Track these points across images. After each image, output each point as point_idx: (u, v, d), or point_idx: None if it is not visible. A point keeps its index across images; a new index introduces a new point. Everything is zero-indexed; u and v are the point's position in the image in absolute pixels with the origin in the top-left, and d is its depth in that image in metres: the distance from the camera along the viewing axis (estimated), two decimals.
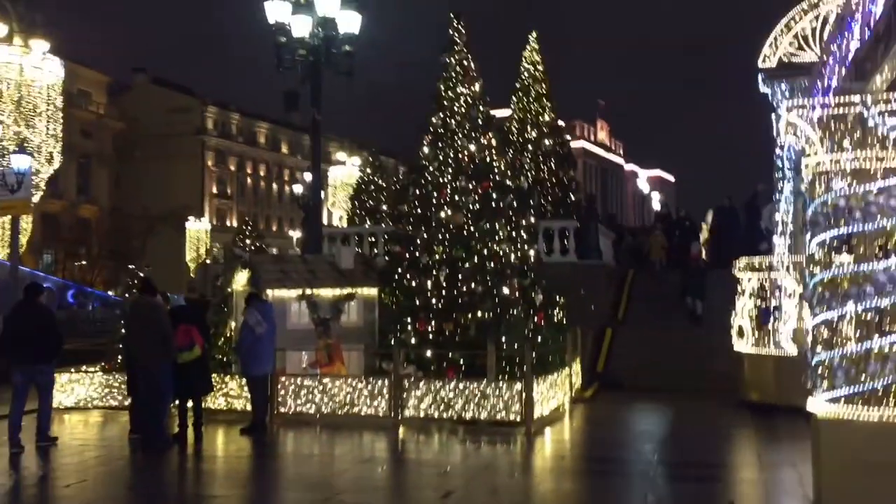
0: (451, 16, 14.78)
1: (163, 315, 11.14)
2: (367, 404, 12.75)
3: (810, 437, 8.57)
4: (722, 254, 23.88)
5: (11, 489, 9.30)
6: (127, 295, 15.21)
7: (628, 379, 16.90)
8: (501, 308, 13.31)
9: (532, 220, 15.57)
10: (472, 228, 13.78)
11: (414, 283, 13.89)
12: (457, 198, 14.05)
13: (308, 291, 13.95)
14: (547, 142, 22.41)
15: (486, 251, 13.56)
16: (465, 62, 14.60)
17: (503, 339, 13.21)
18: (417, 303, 13.75)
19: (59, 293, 35.89)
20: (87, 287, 44.30)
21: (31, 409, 11.22)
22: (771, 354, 13.84)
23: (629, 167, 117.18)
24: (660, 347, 17.89)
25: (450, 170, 14.16)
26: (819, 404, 7.63)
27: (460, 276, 13.61)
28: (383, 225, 21.15)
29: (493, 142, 14.62)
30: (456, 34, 14.67)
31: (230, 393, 13.56)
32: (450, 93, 14.49)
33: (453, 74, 14.55)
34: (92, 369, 14.50)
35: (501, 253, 13.59)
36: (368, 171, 25.13)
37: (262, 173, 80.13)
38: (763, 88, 14.63)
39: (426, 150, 14.51)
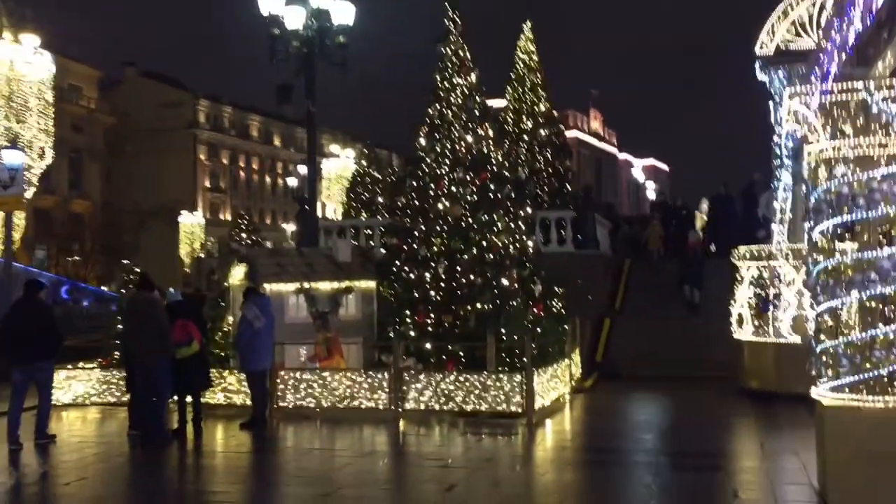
0: (447, 6, 14.67)
1: (160, 310, 11.06)
2: (368, 397, 12.71)
3: (813, 425, 8.57)
4: (719, 242, 23.91)
5: (11, 487, 9.23)
6: (123, 290, 15.06)
7: (627, 368, 16.92)
8: (501, 299, 13.25)
9: (529, 210, 15.52)
10: (470, 220, 13.70)
11: (412, 276, 13.82)
12: (454, 189, 13.97)
13: (306, 285, 13.87)
14: (542, 132, 22.33)
15: (484, 243, 13.49)
16: (461, 52, 14.51)
17: (503, 330, 13.15)
18: (416, 295, 13.69)
19: (53, 289, 35.70)
20: (81, 283, 44.09)
21: (29, 406, 11.15)
22: (771, 342, 13.84)
23: (623, 156, 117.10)
24: (658, 337, 17.90)
25: (447, 161, 14.08)
26: (824, 392, 7.60)
27: (459, 268, 13.54)
28: (379, 217, 21.06)
29: (491, 132, 14.53)
30: (451, 24, 14.57)
31: (229, 388, 13.49)
32: (446, 83, 14.40)
33: (449, 65, 14.46)
34: (89, 366, 14.40)
35: (500, 244, 13.52)
36: (364, 163, 25.01)
37: (254, 166, 79.86)
38: (760, 76, 14.59)
39: (423, 141, 14.43)
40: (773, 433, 11.34)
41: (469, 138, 14.14)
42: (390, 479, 9.58)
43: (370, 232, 20.22)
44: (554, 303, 14.58)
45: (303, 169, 38.76)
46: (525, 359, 12.28)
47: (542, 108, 22.80)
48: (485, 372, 12.54)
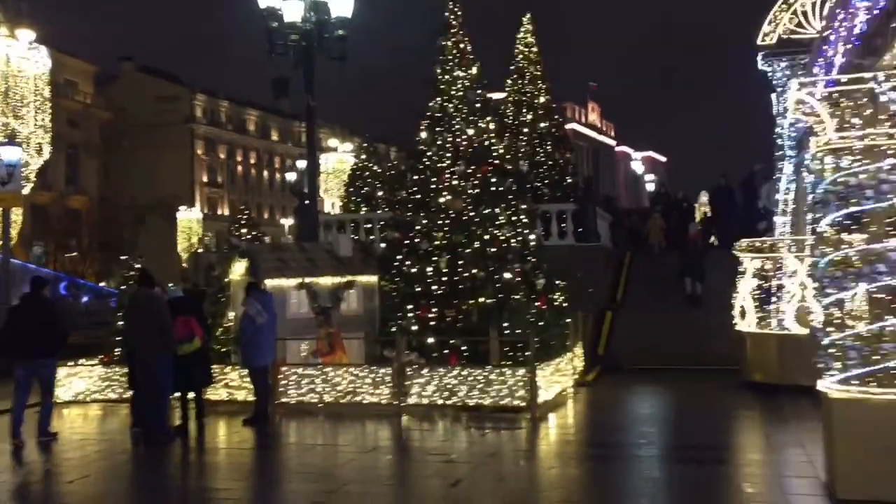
0: None
1: (162, 307, 10.98)
2: (370, 392, 12.66)
3: (818, 417, 8.52)
4: (719, 234, 23.90)
5: (15, 486, 9.17)
6: (123, 287, 14.98)
7: (629, 362, 16.89)
8: (503, 293, 13.19)
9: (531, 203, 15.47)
10: (472, 213, 13.63)
11: (414, 270, 13.75)
12: (456, 182, 13.90)
13: (307, 280, 13.81)
14: (542, 124, 22.24)
15: (486, 236, 13.42)
16: (462, 45, 14.42)
17: (505, 324, 13.10)
18: (418, 289, 13.62)
19: (52, 285, 35.61)
20: (80, 279, 43.99)
21: (31, 403, 11.12)
22: (774, 334, 13.80)
23: (620, 148, 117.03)
24: (659, 330, 17.88)
25: (448, 154, 14.00)
26: (831, 385, 7.56)
27: (461, 262, 13.47)
28: (379, 211, 20.99)
29: (492, 125, 14.46)
30: (452, 17, 14.48)
31: (231, 384, 13.44)
32: (447, 76, 14.32)
33: (450, 57, 14.37)
34: (90, 362, 14.34)
35: (502, 237, 13.45)
36: (363, 156, 24.92)
37: (252, 161, 79.68)
38: (762, 66, 14.52)
39: (424, 134, 14.35)
40: (778, 426, 11.30)
41: (470, 131, 14.06)
42: (395, 475, 9.53)
43: (369, 226, 20.15)
44: (556, 296, 14.52)
45: (301, 163, 38.67)
46: (528, 353, 12.23)
47: (542, 100, 22.70)
48: (488, 366, 12.49)
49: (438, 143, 14.14)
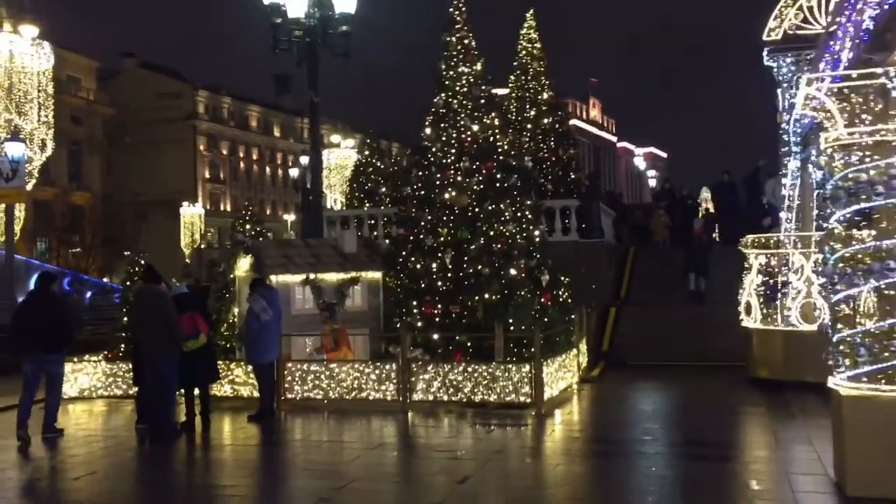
0: None
1: (168, 303, 10.96)
2: (375, 389, 12.64)
3: (825, 414, 8.50)
4: (722, 230, 23.87)
5: (21, 483, 9.18)
6: (128, 283, 14.96)
7: (633, 358, 16.87)
8: (508, 289, 13.15)
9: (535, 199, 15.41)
10: (476, 209, 13.59)
11: (419, 266, 13.71)
12: (460, 178, 13.85)
13: (312, 276, 13.79)
14: (546, 120, 22.16)
15: (491, 232, 13.37)
16: (466, 41, 14.34)
17: (510, 320, 13.07)
18: (423, 285, 13.59)
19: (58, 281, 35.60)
20: (83, 275, 44.00)
21: (38, 398, 11.12)
22: (780, 330, 13.76)
23: (622, 144, 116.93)
24: (664, 325, 17.87)
25: (453, 150, 13.94)
26: (841, 382, 7.53)
27: (466, 258, 13.44)
28: (383, 208, 20.95)
29: (497, 121, 14.41)
30: (456, 12, 14.41)
31: (236, 380, 13.44)
32: (451, 72, 14.25)
33: (454, 53, 14.30)
34: (95, 358, 14.33)
35: (507, 233, 13.41)
36: (367, 152, 24.86)
37: (254, 157, 79.68)
38: (767, 62, 14.46)
39: (428, 130, 14.29)
40: (786, 422, 11.28)
41: (475, 127, 14.01)
42: (401, 472, 9.50)
43: (372, 222, 20.12)
44: (560, 292, 14.49)
45: (304, 159, 38.64)
46: (533, 349, 12.20)
47: (546, 96, 22.62)
48: (493, 362, 12.47)
49: (443, 139, 14.08)
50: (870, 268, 7.27)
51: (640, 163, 65.20)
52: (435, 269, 13.61)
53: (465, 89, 14.18)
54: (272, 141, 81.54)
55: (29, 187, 25.18)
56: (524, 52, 22.76)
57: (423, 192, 14.11)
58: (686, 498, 8.12)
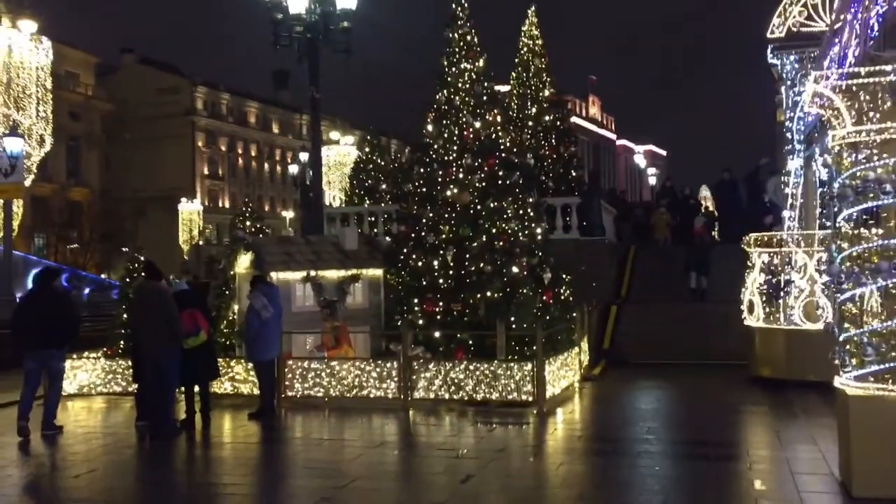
0: None
1: (169, 300, 10.89)
2: (376, 387, 12.58)
3: (829, 413, 8.44)
4: (723, 229, 23.83)
5: (21, 481, 9.10)
6: (128, 279, 14.90)
7: (635, 356, 16.83)
8: (510, 287, 13.09)
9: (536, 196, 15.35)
10: (478, 207, 13.52)
11: (420, 264, 13.65)
12: (462, 175, 13.79)
13: (313, 273, 13.73)
14: (547, 117, 22.11)
15: (493, 230, 13.31)
16: (469, 37, 14.28)
17: (512, 318, 13.01)
18: (424, 283, 13.53)
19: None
20: (81, 271, 43.93)
21: (39, 395, 11.09)
22: (782, 329, 13.71)
23: (621, 142, 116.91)
24: (664, 324, 17.83)
25: (455, 147, 13.88)
26: (847, 382, 7.48)
27: (468, 256, 13.37)
28: (383, 205, 20.90)
29: (499, 118, 14.34)
30: (459, 8, 14.34)
31: (236, 377, 13.38)
32: (453, 69, 14.18)
33: (456, 50, 14.23)
34: (94, 355, 14.26)
35: (509, 231, 13.35)
36: (367, 149, 24.80)
37: (253, 153, 79.58)
38: (771, 59, 14.41)
39: (430, 127, 14.22)
40: (788, 421, 11.23)
41: (477, 124, 13.94)
42: (404, 471, 9.44)
43: (373, 219, 20.06)
44: (562, 290, 14.44)
45: (304, 155, 38.56)
46: (535, 347, 12.15)
47: (547, 93, 22.57)
48: (495, 361, 12.41)
49: (445, 135, 14.02)
50: (877, 267, 7.22)
51: (640, 160, 65.05)
52: (436, 267, 13.55)
53: (468, 86, 14.11)
54: (271, 137, 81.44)
55: (27, 183, 25.11)
56: (525, 48, 22.72)
57: (424, 189, 14.05)
58: (690, 498, 8.07)
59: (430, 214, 13.76)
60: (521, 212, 13.63)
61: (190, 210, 59.29)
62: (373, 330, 14.10)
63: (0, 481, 8.89)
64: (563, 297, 14.43)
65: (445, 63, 14.28)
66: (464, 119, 13.95)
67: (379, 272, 14.42)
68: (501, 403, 12.11)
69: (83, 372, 14.00)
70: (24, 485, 8.96)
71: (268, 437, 11.05)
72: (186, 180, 68.99)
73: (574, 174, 22.22)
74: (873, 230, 7.32)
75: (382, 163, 24.06)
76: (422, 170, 14.21)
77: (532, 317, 13.07)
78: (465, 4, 14.46)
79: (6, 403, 12.52)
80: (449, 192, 13.72)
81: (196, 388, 11.50)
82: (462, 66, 14.19)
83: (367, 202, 22.09)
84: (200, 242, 60.38)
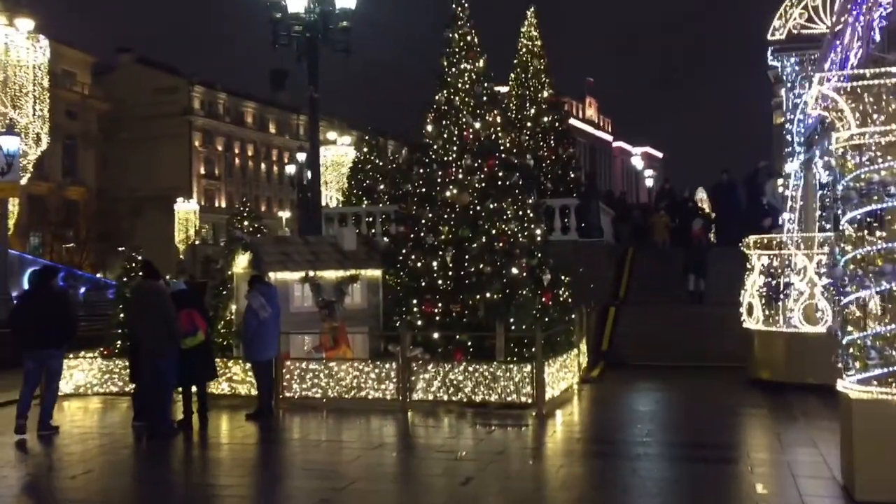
0: None
1: (167, 299, 10.83)
2: (375, 388, 12.52)
3: (829, 416, 8.40)
4: (721, 231, 23.81)
5: (18, 482, 9.03)
6: (125, 279, 14.83)
7: (633, 358, 16.79)
8: (510, 288, 13.04)
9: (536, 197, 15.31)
10: (478, 207, 13.47)
11: (419, 264, 13.59)
12: (461, 176, 13.73)
13: (311, 274, 13.67)
14: (545, 118, 22.09)
15: (493, 231, 13.26)
16: (469, 37, 14.22)
17: (511, 320, 12.96)
18: (423, 284, 13.47)
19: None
20: (77, 270, 43.79)
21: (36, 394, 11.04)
22: (782, 332, 13.68)
23: (617, 144, 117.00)
24: (663, 326, 17.80)
25: (454, 148, 13.82)
26: (850, 385, 7.44)
27: (467, 257, 13.32)
28: (381, 205, 20.85)
29: (499, 119, 14.29)
30: (459, 9, 14.29)
31: (234, 378, 13.31)
32: (453, 69, 14.13)
33: (457, 50, 14.18)
34: (90, 355, 14.17)
35: (509, 232, 13.30)
36: (365, 150, 24.75)
37: (249, 153, 79.44)
38: (772, 62, 14.38)
39: (430, 127, 14.17)
40: (788, 424, 11.20)
41: (477, 125, 13.89)
42: (402, 473, 9.39)
43: (370, 219, 20.01)
44: (561, 292, 14.40)
45: (301, 155, 38.49)
46: (535, 349, 12.10)
47: (545, 94, 22.54)
48: (494, 362, 12.36)
49: (444, 136, 13.96)
50: (881, 270, 7.18)
51: (637, 162, 65.05)
52: (436, 268, 13.50)
53: (468, 86, 14.06)
54: (268, 137, 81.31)
55: (23, 182, 25.00)
56: (524, 49, 22.69)
57: (424, 190, 14.00)
58: (690, 501, 8.03)
59: (430, 215, 13.71)
60: (520, 213, 13.58)
61: (186, 210, 59.13)
62: (371, 331, 14.05)
63: None
64: (562, 299, 14.39)
65: (445, 63, 14.23)
66: (464, 119, 13.90)
67: (377, 273, 14.37)
68: (500, 405, 12.06)
69: (79, 372, 13.92)
70: (20, 486, 8.89)
71: (265, 438, 10.99)
72: (183, 180, 68.83)
73: (572, 175, 22.18)
74: (877, 233, 7.28)
75: (381, 163, 24.00)
76: (421, 170, 14.16)
77: (531, 318, 13.02)
78: (466, 5, 14.42)
79: (4, 403, 12.45)
80: (448, 193, 13.67)
81: (193, 389, 11.42)
82: (462, 66, 14.14)
83: (365, 202, 22.03)
84: (196, 242, 60.25)
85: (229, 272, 14.51)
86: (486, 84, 14.25)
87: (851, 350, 7.40)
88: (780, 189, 15.74)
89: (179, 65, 74.50)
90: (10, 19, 25.65)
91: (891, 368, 7.15)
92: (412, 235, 13.89)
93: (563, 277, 14.61)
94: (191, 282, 15.79)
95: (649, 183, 53.12)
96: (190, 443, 10.77)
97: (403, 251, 13.94)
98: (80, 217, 54.78)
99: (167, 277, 13.41)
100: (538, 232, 14.00)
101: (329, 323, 13.33)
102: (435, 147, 14.00)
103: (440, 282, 13.41)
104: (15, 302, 13.37)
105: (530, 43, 22.67)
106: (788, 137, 14.42)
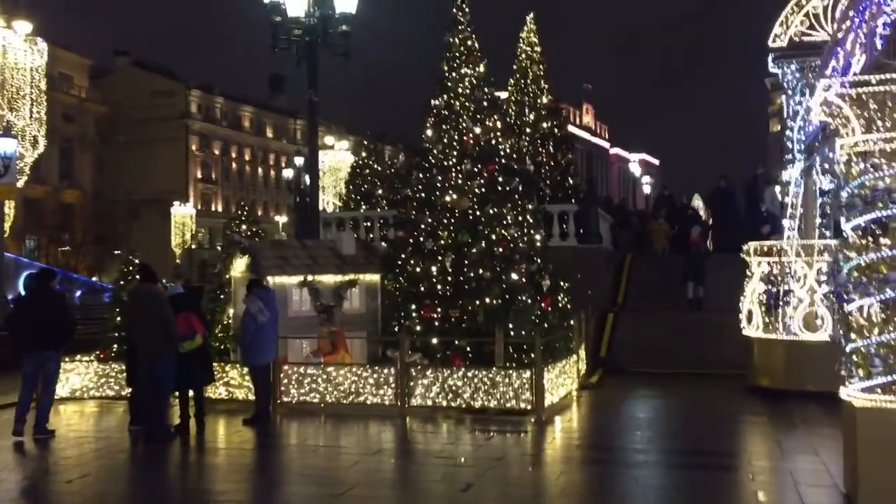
0: None
1: (165, 303, 10.76)
2: (373, 393, 12.44)
3: (829, 423, 8.35)
4: (719, 238, 23.77)
5: (13, 486, 8.95)
6: (122, 282, 14.76)
7: (632, 364, 16.73)
8: (509, 294, 12.99)
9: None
10: (478, 213, 13.43)
11: (418, 269, 13.54)
12: (461, 181, 13.69)
13: (309, 278, 13.61)
14: (544, 124, 22.07)
15: (493, 236, 13.21)
16: (469, 42, 14.19)
17: (511, 325, 12.91)
18: (422, 289, 13.41)
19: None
20: (72, 273, 43.65)
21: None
22: (781, 339, 13.64)
23: (614, 151, 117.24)
24: (662, 333, 17.74)
25: (454, 153, 13.78)
26: (854, 393, 7.39)
27: (466, 262, 13.27)
28: (379, 210, 20.79)
29: (499, 124, 14.25)
30: (459, 13, 14.26)
31: (231, 382, 13.22)
32: (453, 73, 14.09)
33: (457, 55, 14.14)
34: (87, 358, 14.08)
35: (509, 237, 13.26)
36: (363, 154, 24.71)
37: (246, 158, 79.40)
38: (773, 68, 14.36)
39: (429, 132, 14.13)
40: (789, 432, 11.15)
41: (477, 130, 13.85)
42: (401, 479, 9.32)
43: (369, 224, 19.95)
44: (560, 298, 14.35)
45: (299, 160, 38.45)
46: (534, 355, 12.04)
47: (544, 100, 22.53)
48: (493, 368, 12.29)
49: (444, 141, 13.92)
50: (885, 277, 7.14)
51: (635, 169, 65.09)
52: (435, 273, 13.45)
53: (468, 91, 14.02)
54: (265, 142, 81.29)
55: (20, 184, 24.95)
56: (524, 55, 22.67)
57: (423, 195, 13.95)
58: None
59: (429, 220, 13.65)
60: (520, 218, 13.54)
61: (183, 213, 59.10)
62: (370, 335, 13.98)
63: None
64: (561, 305, 14.34)
65: (445, 68, 14.18)
66: (464, 124, 13.86)
67: (376, 277, 14.31)
68: (499, 411, 11.98)
69: (76, 375, 13.82)
70: (15, 490, 8.81)
71: (263, 443, 10.92)
72: (180, 183, 68.74)
73: (571, 181, 22.16)
74: (882, 240, 7.24)
75: (379, 168, 23.96)
76: (421, 175, 14.10)
77: (531, 324, 12.97)
78: (466, 9, 14.39)
79: (2, 406, 12.37)
80: (448, 198, 13.62)
81: (191, 393, 11.36)
82: (462, 71, 14.10)
83: (363, 207, 21.97)
84: (193, 246, 60.19)
85: (227, 276, 14.44)
86: (486, 89, 14.21)
87: (855, 358, 7.35)
88: (779, 196, 15.71)
89: (178, 66, 75.12)
90: (8, 22, 25.61)
91: (895, 376, 7.10)
92: (411, 240, 13.84)
93: (562, 283, 14.57)
94: (187, 286, 15.71)
95: (647, 189, 53.11)
96: (187, 447, 10.68)
97: (402, 256, 13.88)
98: (77, 220, 54.67)
99: (164, 282, 13.35)
100: (538, 237, 13.95)
101: (327, 327, 13.27)
102: (435, 152, 13.95)
103: (439, 287, 13.35)
104: (11, 305, 13.27)
105: (530, 49, 22.66)
106: (789, 144, 14.39)
